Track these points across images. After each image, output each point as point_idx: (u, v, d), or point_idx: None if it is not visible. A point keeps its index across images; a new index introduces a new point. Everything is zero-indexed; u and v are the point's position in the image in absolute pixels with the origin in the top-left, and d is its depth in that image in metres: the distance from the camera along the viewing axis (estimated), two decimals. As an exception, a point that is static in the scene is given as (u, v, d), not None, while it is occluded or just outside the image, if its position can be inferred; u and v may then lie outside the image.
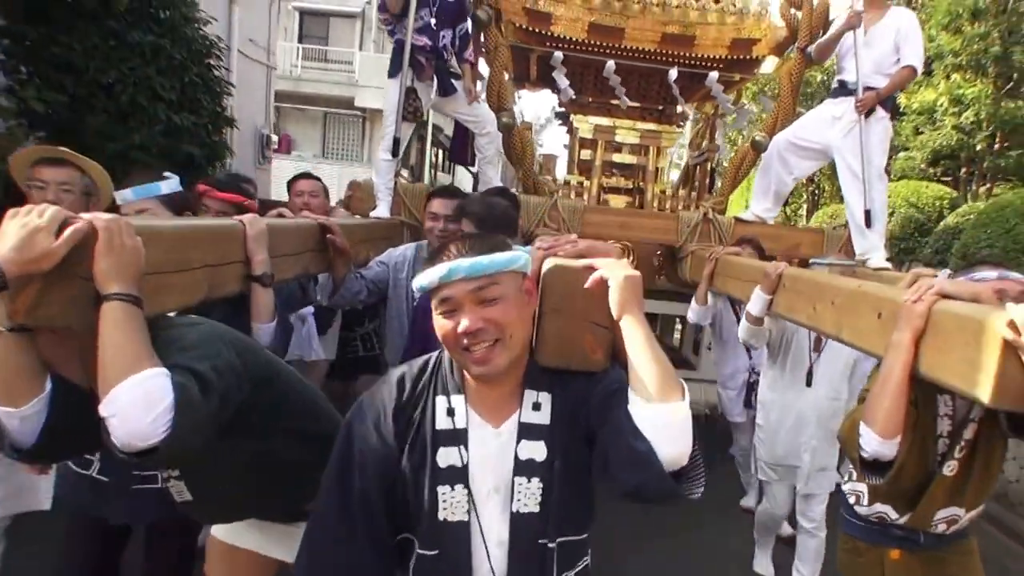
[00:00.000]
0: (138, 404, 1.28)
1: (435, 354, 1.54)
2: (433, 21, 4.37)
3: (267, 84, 11.18)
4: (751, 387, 4.15)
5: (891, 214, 9.04)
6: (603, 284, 1.42)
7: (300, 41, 22.02)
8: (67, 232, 1.34)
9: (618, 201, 5.82)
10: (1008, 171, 11.09)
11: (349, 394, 4.70)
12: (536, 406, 1.46)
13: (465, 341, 1.37)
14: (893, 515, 2.17)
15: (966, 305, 1.64)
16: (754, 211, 5.08)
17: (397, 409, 1.47)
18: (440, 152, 20.95)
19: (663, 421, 1.32)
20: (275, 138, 13.41)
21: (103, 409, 1.29)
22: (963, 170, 11.80)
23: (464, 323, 1.35)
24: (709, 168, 6.79)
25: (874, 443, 1.79)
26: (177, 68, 5.69)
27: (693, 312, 4.12)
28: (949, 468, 2.02)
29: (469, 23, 4.78)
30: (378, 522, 1.45)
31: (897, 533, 2.20)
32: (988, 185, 11.36)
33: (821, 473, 3.39)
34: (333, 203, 6.93)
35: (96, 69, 5.04)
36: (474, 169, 5.88)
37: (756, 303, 3.01)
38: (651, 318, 6.90)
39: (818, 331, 2.66)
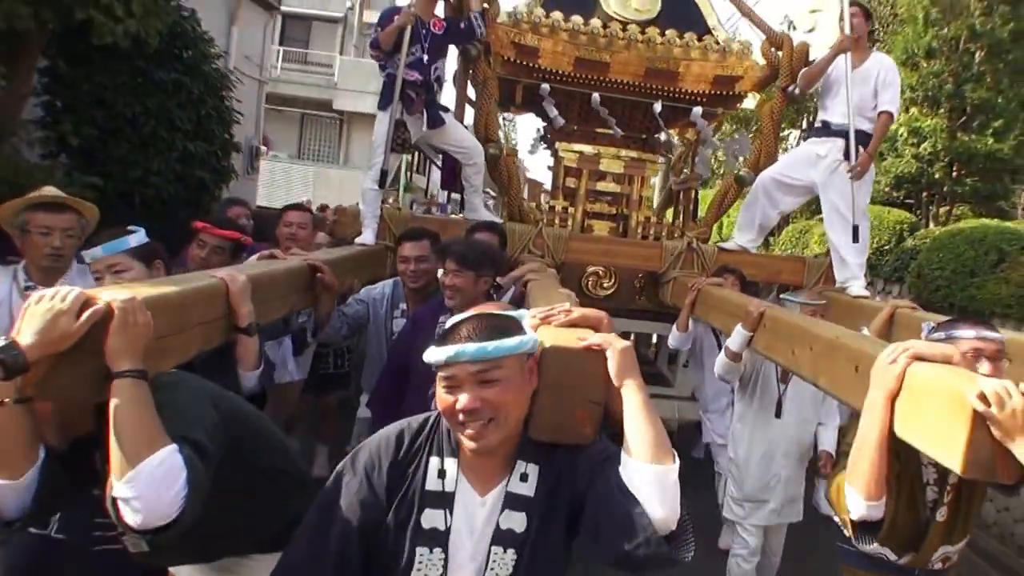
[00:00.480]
0: (160, 485, 1.33)
1: (435, 413, 1.57)
2: (425, 57, 4.45)
3: (258, 97, 11.36)
4: None
5: None
6: (601, 355, 1.50)
7: (281, 44, 21.90)
8: (87, 314, 1.41)
9: (602, 227, 5.87)
10: (965, 197, 11.78)
11: (318, 409, 4.90)
12: (523, 477, 1.50)
13: (461, 417, 1.41)
14: (892, 556, 2.23)
15: (939, 369, 1.69)
16: (737, 241, 5.17)
17: (392, 465, 1.51)
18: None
19: (655, 483, 1.38)
20: (264, 148, 13.50)
21: (121, 490, 1.33)
22: (924, 194, 12.38)
23: (462, 401, 1.40)
24: (692, 195, 6.89)
25: (861, 506, 1.82)
26: (195, 101, 6.24)
27: (674, 338, 4.23)
28: (941, 514, 2.08)
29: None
30: (351, 573, 1.47)
31: (897, 566, 2.27)
32: (948, 208, 11.93)
33: (790, 504, 3.47)
34: (306, 200, 6.97)
35: (124, 104, 5.61)
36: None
37: (736, 339, 3.07)
38: (625, 336, 7.03)
39: (797, 374, 2.71)
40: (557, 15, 5.24)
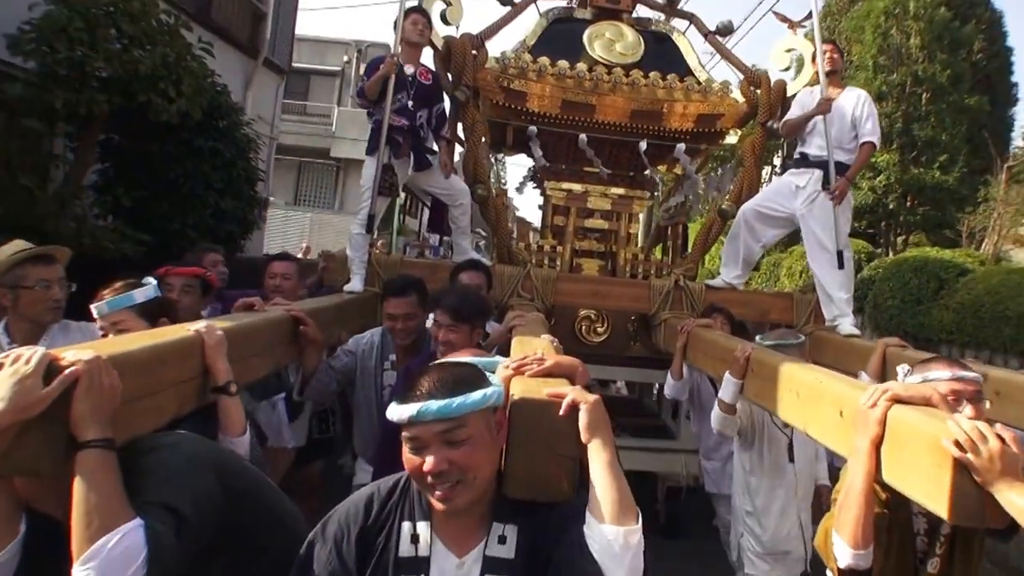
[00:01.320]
0: (116, 563, 1.26)
1: (404, 475, 1.51)
2: (410, 103, 4.51)
3: (269, 154, 11.79)
4: None
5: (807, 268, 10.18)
6: (573, 410, 1.46)
7: (284, 97, 22.46)
8: (59, 379, 1.34)
9: (591, 265, 5.90)
10: (918, 225, 12.74)
11: (301, 480, 4.37)
12: (502, 539, 1.45)
13: (429, 479, 1.37)
14: None
15: (918, 413, 1.68)
16: (724, 278, 5.17)
17: (361, 533, 1.46)
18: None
19: (616, 544, 1.34)
20: (273, 199, 13.66)
21: (79, 567, 1.27)
22: (883, 223, 13.24)
23: (428, 463, 1.36)
24: (680, 230, 6.94)
25: (848, 555, 1.79)
26: (227, 164, 7.03)
27: (669, 387, 4.14)
28: (932, 565, 2.01)
29: (446, 103, 4.93)
30: None
31: None
32: (904, 236, 12.84)
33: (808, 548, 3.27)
34: (304, 245, 7.08)
35: (167, 168, 6.40)
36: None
37: (728, 389, 3.02)
38: (629, 386, 6.96)
39: (787, 422, 2.70)
40: (544, 60, 5.32)
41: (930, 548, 2.01)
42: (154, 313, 2.21)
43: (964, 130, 12.62)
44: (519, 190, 7.07)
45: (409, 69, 4.55)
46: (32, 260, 2.57)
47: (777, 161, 14.37)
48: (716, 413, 3.21)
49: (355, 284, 4.50)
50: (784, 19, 5.65)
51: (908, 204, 12.56)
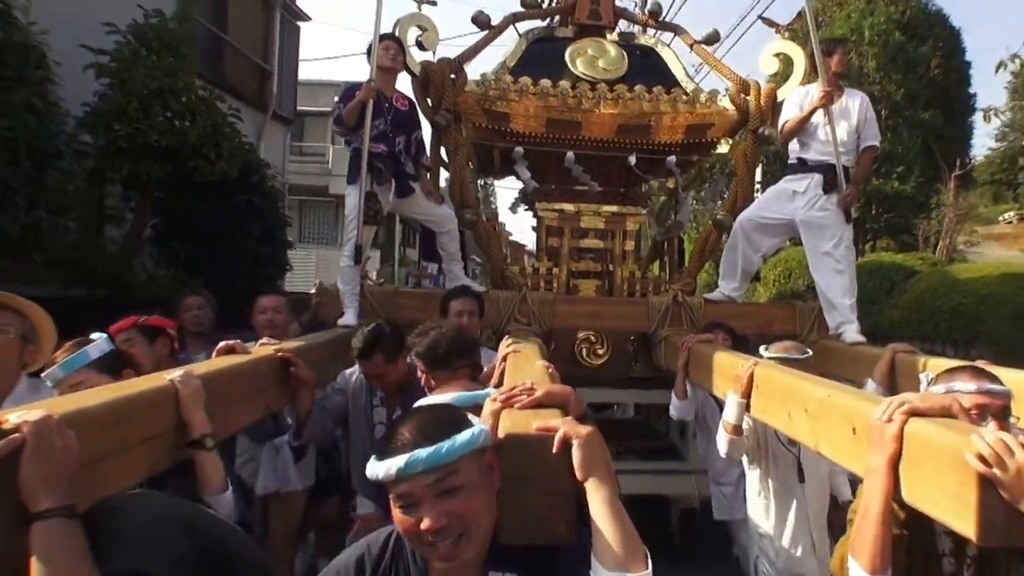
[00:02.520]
0: None
1: (394, 530, 1.42)
2: (388, 130, 4.46)
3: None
4: None
5: (788, 275, 11.04)
6: (566, 444, 1.35)
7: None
8: None
9: (587, 286, 5.78)
10: (882, 231, 13.40)
11: (317, 520, 4.39)
12: None
13: (428, 538, 1.26)
14: None
15: (938, 427, 1.55)
16: (723, 291, 5.06)
17: None
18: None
19: None
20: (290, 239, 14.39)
21: None
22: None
23: (426, 520, 1.25)
24: (676, 244, 6.84)
25: None
26: (261, 214, 8.13)
27: (675, 408, 3.98)
28: None
29: (425, 130, 4.91)
30: None
31: None
32: (872, 241, 13.55)
33: (824, 569, 3.10)
34: (316, 282, 7.53)
35: (210, 222, 7.34)
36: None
37: (732, 409, 2.89)
38: (636, 407, 6.80)
39: (798, 440, 2.55)
40: (525, 80, 5.25)
41: (958, 571, 1.86)
42: (115, 367, 2.08)
43: (919, 142, 13.53)
44: (512, 210, 6.98)
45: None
46: None
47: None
48: (722, 436, 3.06)
49: (348, 318, 4.40)
50: (771, 23, 5.58)
51: (873, 212, 13.12)
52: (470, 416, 1.39)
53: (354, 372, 3.35)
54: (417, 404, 1.51)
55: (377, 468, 1.28)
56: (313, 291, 6.04)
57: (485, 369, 3.10)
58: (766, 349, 3.20)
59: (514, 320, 4.82)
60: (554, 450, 1.35)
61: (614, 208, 5.83)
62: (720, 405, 3.89)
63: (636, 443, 5.39)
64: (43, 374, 2.02)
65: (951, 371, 1.94)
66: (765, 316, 5.05)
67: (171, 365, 2.59)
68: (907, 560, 1.76)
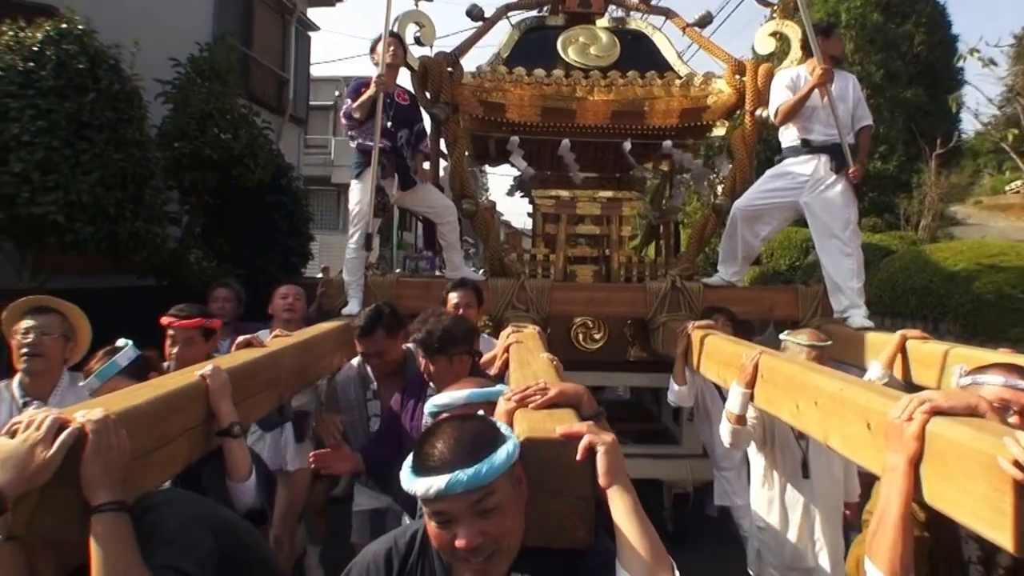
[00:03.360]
0: None
1: (421, 528, 1.43)
2: (390, 124, 4.42)
3: None
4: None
5: (770, 255, 11.14)
6: (590, 453, 1.35)
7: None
8: (60, 440, 1.32)
9: (584, 272, 5.67)
10: (867, 210, 13.37)
11: (308, 505, 4.39)
12: None
13: (463, 554, 1.26)
14: None
15: (964, 427, 1.42)
16: (722, 276, 4.92)
17: None
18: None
19: None
20: None
21: None
22: None
23: (461, 540, 1.25)
24: (672, 228, 6.71)
25: None
26: (289, 212, 9.42)
27: (672, 394, 3.85)
28: None
29: (425, 122, 4.89)
30: None
31: None
32: (858, 220, 13.45)
33: (836, 567, 2.99)
34: (323, 267, 7.84)
35: (248, 220, 8.61)
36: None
37: (735, 400, 2.76)
38: (633, 391, 6.71)
39: (806, 433, 2.44)
40: (520, 70, 5.15)
41: None
42: (142, 371, 2.21)
43: (902, 122, 13.50)
44: (509, 194, 6.87)
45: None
46: (31, 311, 2.61)
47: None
48: (725, 426, 2.93)
49: (353, 307, 4.41)
50: (766, 3, 5.42)
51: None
52: (501, 427, 1.38)
53: (341, 373, 3.40)
54: (446, 417, 1.52)
55: (415, 485, 1.26)
56: (320, 275, 6.06)
57: (484, 356, 3.15)
58: (789, 334, 3.08)
59: (512, 307, 4.73)
60: (578, 457, 1.35)
61: (609, 194, 5.71)
62: (720, 391, 3.80)
63: (630, 427, 5.29)
64: (81, 383, 2.22)
65: (983, 367, 1.82)
66: (767, 300, 4.91)
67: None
68: (928, 566, 1.63)
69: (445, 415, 1.79)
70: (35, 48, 5.93)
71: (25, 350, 2.52)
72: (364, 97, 4.27)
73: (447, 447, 1.27)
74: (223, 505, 1.94)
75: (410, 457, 1.33)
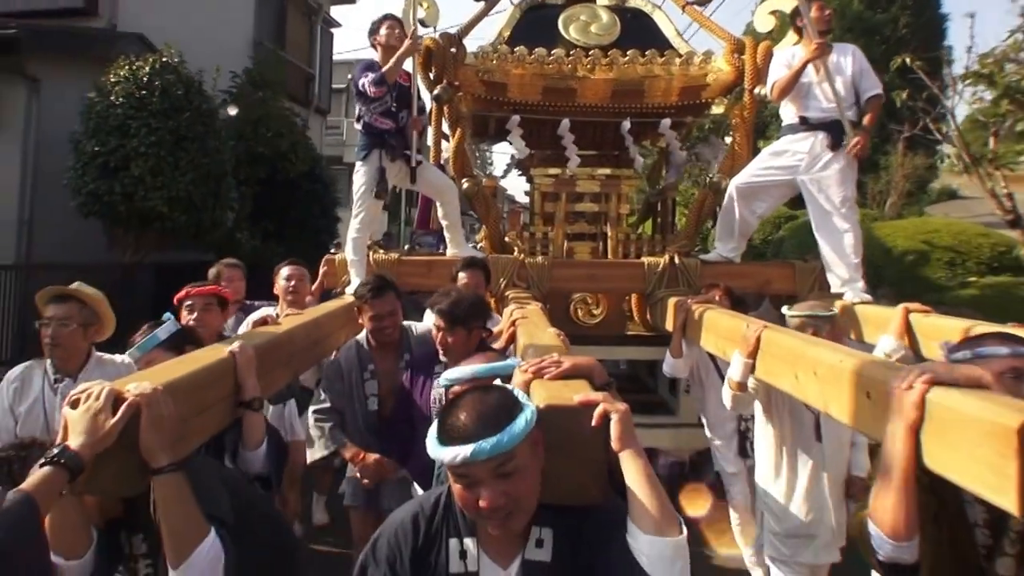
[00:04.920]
0: (209, 567, 1.45)
1: (445, 491, 1.51)
2: (394, 105, 4.33)
3: None
4: (743, 435, 3.75)
5: None
6: (605, 418, 1.41)
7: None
8: (121, 411, 1.47)
9: (583, 249, 5.63)
10: None
11: (311, 470, 4.52)
12: (539, 543, 1.43)
13: (485, 513, 1.33)
14: None
15: (969, 396, 1.40)
16: (720, 252, 4.88)
17: (414, 553, 1.46)
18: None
19: (662, 555, 1.31)
20: None
21: (178, 574, 1.43)
22: None
23: (484, 500, 1.32)
24: (670, 204, 6.64)
25: (887, 546, 1.49)
26: (320, 197, 11.30)
27: (668, 365, 3.84)
28: (1003, 566, 1.62)
29: (427, 103, 4.83)
30: None
31: None
32: None
33: (837, 538, 2.91)
34: (336, 242, 8.92)
35: (289, 205, 10.56)
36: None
37: (737, 368, 2.73)
38: (630, 364, 6.69)
39: (804, 402, 2.41)
40: (522, 49, 5.09)
41: (996, 544, 1.64)
42: (179, 344, 2.28)
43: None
44: (503, 175, 6.81)
45: None
46: (52, 300, 2.71)
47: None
48: (727, 392, 2.90)
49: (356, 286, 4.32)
50: None
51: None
52: (519, 396, 1.43)
53: (340, 354, 3.37)
54: (468, 388, 1.56)
55: (443, 453, 1.33)
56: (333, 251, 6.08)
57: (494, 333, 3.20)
58: (790, 309, 2.99)
59: (513, 284, 4.69)
60: (593, 423, 1.41)
61: (608, 171, 5.65)
62: (714, 361, 3.78)
63: (628, 398, 5.23)
64: (127, 352, 2.35)
65: (976, 337, 1.78)
66: (764, 275, 4.87)
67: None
68: (934, 529, 1.59)
69: (456, 388, 1.86)
70: (145, 79, 7.93)
71: (47, 341, 2.69)
72: (401, 53, 4.19)
73: (470, 418, 1.33)
74: (236, 468, 2.10)
75: (434, 427, 1.39)
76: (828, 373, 2.02)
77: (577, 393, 1.50)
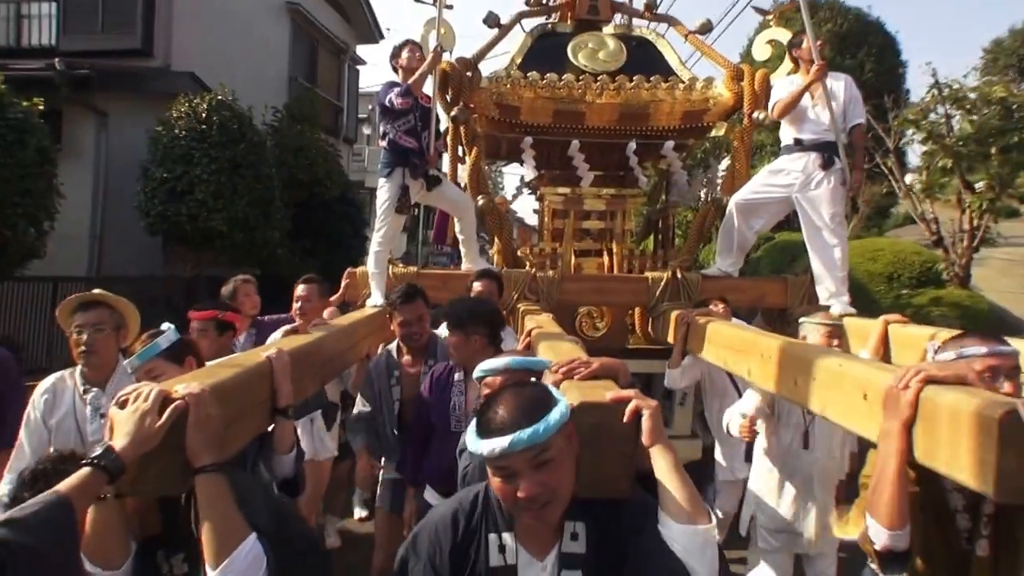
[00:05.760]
0: (248, 570, 1.39)
1: (483, 488, 1.54)
2: (419, 125, 4.47)
3: None
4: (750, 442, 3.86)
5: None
6: (636, 414, 1.46)
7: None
8: (168, 412, 1.44)
9: (589, 264, 5.79)
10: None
11: (333, 478, 4.54)
12: (574, 536, 1.45)
13: (523, 503, 1.36)
14: None
15: (956, 393, 1.54)
16: (719, 266, 5.03)
17: (454, 547, 1.48)
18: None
19: (697, 543, 1.34)
20: None
21: (218, 574, 1.38)
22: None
23: (523, 490, 1.35)
24: (672, 221, 6.80)
25: (883, 535, 1.65)
26: (352, 218, 12.66)
27: (669, 378, 3.97)
28: (981, 548, 1.81)
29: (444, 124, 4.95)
30: None
31: None
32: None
33: (825, 535, 3.12)
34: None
35: (324, 225, 11.73)
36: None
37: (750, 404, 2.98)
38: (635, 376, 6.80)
39: (803, 406, 2.55)
40: (534, 74, 5.24)
41: (975, 528, 1.82)
42: (180, 355, 2.20)
43: None
44: (514, 198, 6.98)
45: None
46: (81, 306, 2.64)
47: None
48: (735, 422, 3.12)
49: (376, 298, 4.47)
50: (762, 12, 5.51)
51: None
52: (553, 391, 1.47)
53: (374, 360, 3.49)
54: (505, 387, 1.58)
55: (480, 446, 1.36)
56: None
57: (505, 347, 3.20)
58: (807, 317, 3.23)
59: (524, 297, 4.82)
60: (626, 419, 1.46)
61: (613, 190, 5.82)
62: (730, 375, 3.90)
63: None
64: (124, 362, 2.13)
65: (958, 337, 1.92)
66: (759, 289, 5.03)
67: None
68: (920, 516, 1.74)
69: (489, 380, 1.97)
70: (204, 115, 8.97)
71: (83, 348, 2.59)
72: (425, 66, 4.38)
73: (507, 412, 1.36)
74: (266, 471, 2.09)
75: (473, 423, 1.43)
76: (827, 377, 2.14)
77: (606, 392, 1.55)
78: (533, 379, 1.66)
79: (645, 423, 1.45)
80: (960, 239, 9.20)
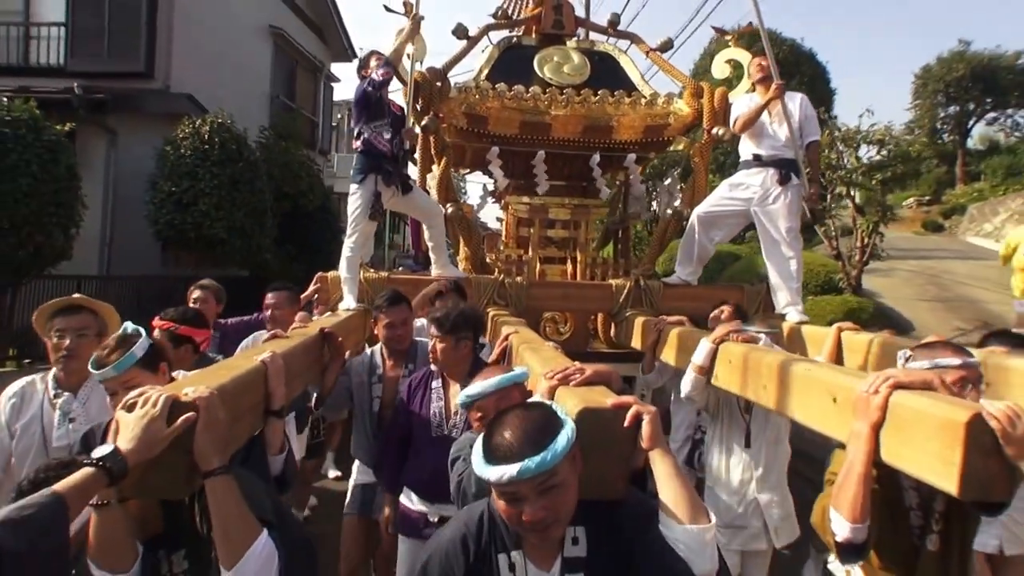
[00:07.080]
0: (264, 567, 1.41)
1: (485, 507, 1.54)
2: (390, 132, 4.42)
3: None
4: (695, 444, 3.90)
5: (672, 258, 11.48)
6: (637, 419, 1.48)
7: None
8: (181, 419, 1.42)
9: (553, 271, 5.84)
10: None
11: (298, 475, 4.51)
12: (575, 540, 1.47)
13: (528, 525, 1.37)
14: None
15: (924, 398, 1.60)
16: (680, 275, 5.13)
17: (467, 572, 1.48)
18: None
19: (695, 542, 1.37)
20: None
21: (232, 574, 1.39)
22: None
23: (528, 514, 1.36)
24: (630, 233, 6.91)
25: (845, 528, 1.72)
26: (331, 225, 13.87)
27: (643, 381, 3.98)
28: (931, 543, 1.91)
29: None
30: None
31: None
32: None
33: (785, 522, 3.13)
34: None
35: (306, 233, 12.94)
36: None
37: (702, 352, 2.89)
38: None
39: (769, 409, 2.61)
40: (502, 85, 5.27)
41: (926, 523, 1.92)
42: (154, 362, 2.09)
43: None
44: (480, 207, 6.98)
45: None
46: (62, 311, 2.56)
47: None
48: (688, 377, 3.02)
49: (349, 302, 4.40)
50: (722, 32, 5.64)
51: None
52: (559, 414, 1.45)
53: (355, 359, 3.46)
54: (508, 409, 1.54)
55: (489, 472, 1.35)
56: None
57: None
58: (749, 324, 3.22)
59: (493, 302, 4.83)
60: (626, 424, 1.48)
61: (577, 200, 5.88)
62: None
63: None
64: (97, 372, 1.97)
65: (929, 347, 2.00)
66: (718, 298, 5.07)
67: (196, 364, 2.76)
68: (879, 512, 1.81)
69: (480, 403, 1.94)
70: (206, 135, 9.98)
71: (64, 353, 2.50)
72: (407, 31, 4.38)
73: (515, 438, 1.35)
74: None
75: (480, 446, 1.41)
76: (796, 382, 2.20)
77: (605, 397, 1.56)
78: (532, 400, 1.65)
79: (645, 428, 1.47)
80: (853, 254, 10.45)
